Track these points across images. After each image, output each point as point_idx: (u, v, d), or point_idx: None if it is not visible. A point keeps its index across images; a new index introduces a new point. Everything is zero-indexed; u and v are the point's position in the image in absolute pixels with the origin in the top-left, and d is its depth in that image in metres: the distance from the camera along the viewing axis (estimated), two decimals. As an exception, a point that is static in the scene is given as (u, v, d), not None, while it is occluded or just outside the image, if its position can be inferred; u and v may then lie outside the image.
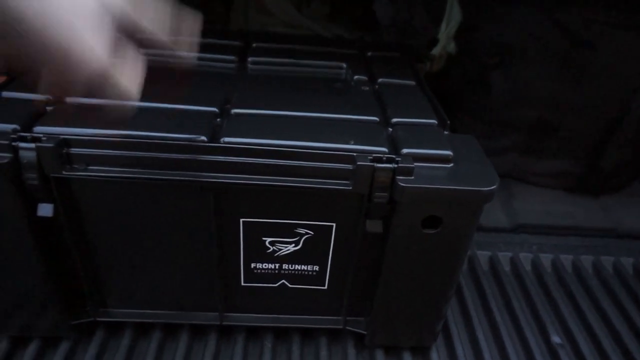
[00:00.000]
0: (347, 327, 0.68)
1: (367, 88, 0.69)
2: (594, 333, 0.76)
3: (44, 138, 0.50)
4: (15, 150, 0.49)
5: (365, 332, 0.68)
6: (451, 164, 0.55)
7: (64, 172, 0.51)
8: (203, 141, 0.53)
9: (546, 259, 0.91)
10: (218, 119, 0.58)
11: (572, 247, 0.93)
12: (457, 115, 1.07)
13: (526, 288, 0.83)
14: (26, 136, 0.50)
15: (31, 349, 0.65)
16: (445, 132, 0.61)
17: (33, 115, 0.54)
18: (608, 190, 1.07)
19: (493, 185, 0.53)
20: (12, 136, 0.50)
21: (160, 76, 0.68)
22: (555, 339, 0.75)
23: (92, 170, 0.52)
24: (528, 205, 1.02)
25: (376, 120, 0.60)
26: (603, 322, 0.79)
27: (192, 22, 0.47)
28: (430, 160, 0.55)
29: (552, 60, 0.93)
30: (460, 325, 0.76)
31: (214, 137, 0.54)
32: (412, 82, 0.72)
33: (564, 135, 1.01)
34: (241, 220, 0.58)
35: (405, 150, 0.54)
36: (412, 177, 0.52)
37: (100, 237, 0.59)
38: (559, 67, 0.94)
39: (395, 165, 0.52)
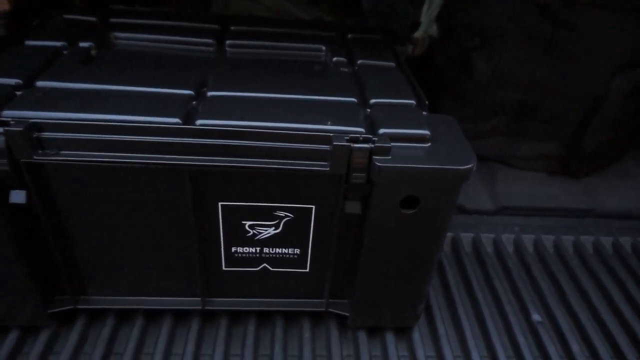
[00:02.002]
0: (330, 309, 0.69)
1: (346, 70, 0.68)
2: (573, 311, 0.77)
3: (13, 122, 0.49)
4: (-17, 135, 0.48)
5: (348, 314, 0.68)
6: (429, 144, 0.55)
7: (35, 157, 0.50)
8: (177, 123, 0.52)
9: (528, 240, 0.92)
10: (194, 102, 0.57)
11: (553, 228, 0.94)
12: (441, 99, 1.07)
13: (508, 268, 0.84)
14: (-6, 120, 0.49)
15: (10, 338, 0.64)
16: (424, 113, 0.60)
17: (2, 99, 0.52)
18: (589, 171, 1.08)
19: (470, 164, 0.53)
20: (-20, 121, 0.48)
21: (135, 59, 0.67)
22: (536, 317, 0.76)
23: (65, 155, 0.51)
24: (511, 187, 1.03)
25: (354, 101, 0.60)
26: (582, 300, 0.80)
27: None
28: (407, 139, 0.55)
29: (533, 42, 0.93)
30: (443, 306, 0.76)
31: (188, 120, 0.53)
32: (392, 64, 0.71)
33: (546, 118, 1.01)
34: (220, 203, 0.58)
35: (382, 130, 0.54)
36: (389, 157, 0.52)
37: (77, 223, 0.58)
38: (540, 49, 0.94)
39: (372, 145, 0.52)
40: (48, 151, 0.51)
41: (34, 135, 0.50)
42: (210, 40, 0.73)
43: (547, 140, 1.05)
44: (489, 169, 1.07)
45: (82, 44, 0.66)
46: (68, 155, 0.51)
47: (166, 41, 0.72)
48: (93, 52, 0.66)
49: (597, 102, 0.97)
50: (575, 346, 0.71)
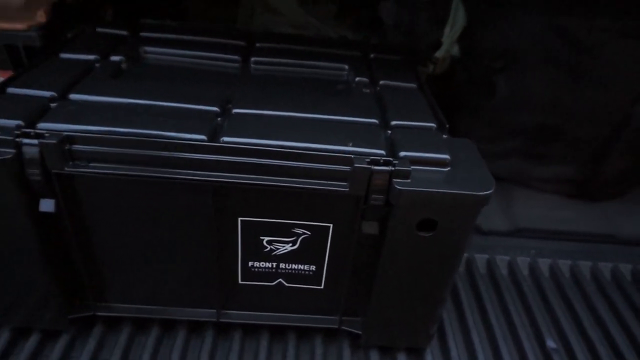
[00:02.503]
0: (343, 327, 0.69)
1: (368, 90, 0.69)
2: (589, 339, 0.76)
3: (47, 134, 0.51)
4: (18, 146, 0.50)
5: (360, 332, 0.68)
6: (448, 168, 0.56)
7: (66, 169, 0.52)
8: (203, 140, 0.53)
9: (544, 264, 0.91)
10: (219, 119, 0.59)
11: (570, 252, 0.93)
12: (460, 119, 1.07)
13: (523, 292, 0.84)
14: (29, 132, 0.51)
15: (32, 341, 0.66)
16: (444, 136, 0.61)
17: (37, 112, 0.55)
18: (608, 196, 1.07)
19: (489, 190, 0.54)
20: (16, 132, 0.51)
21: (164, 74, 0.69)
22: (550, 343, 0.75)
23: (94, 167, 0.53)
24: (528, 209, 1.03)
25: (375, 122, 0.61)
26: (599, 327, 0.79)
27: None
28: (427, 163, 0.55)
29: (554, 66, 0.93)
30: (456, 328, 0.76)
31: (214, 137, 0.55)
32: (414, 85, 0.72)
33: (566, 141, 1.01)
34: (239, 219, 0.59)
35: (402, 153, 0.55)
36: (409, 180, 0.53)
37: (101, 232, 0.60)
38: (561, 73, 0.94)
39: (392, 168, 0.53)
40: (79, 163, 0.53)
41: (66, 148, 0.52)
42: (236, 57, 0.75)
43: (566, 164, 1.04)
44: (506, 190, 1.07)
45: (114, 58, 0.69)
46: (97, 168, 0.53)
47: (193, 56, 0.74)
48: (124, 65, 0.69)
49: (618, 128, 0.96)
50: (590, 375, 0.71)
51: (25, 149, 0.50)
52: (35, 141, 0.50)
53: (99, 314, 0.67)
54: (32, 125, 0.53)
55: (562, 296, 0.84)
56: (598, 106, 0.95)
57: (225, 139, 0.54)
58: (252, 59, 0.75)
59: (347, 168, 0.53)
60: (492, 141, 1.05)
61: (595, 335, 0.77)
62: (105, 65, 0.67)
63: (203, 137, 0.54)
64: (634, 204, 1.07)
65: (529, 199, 1.06)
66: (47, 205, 0.55)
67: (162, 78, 0.68)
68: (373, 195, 0.54)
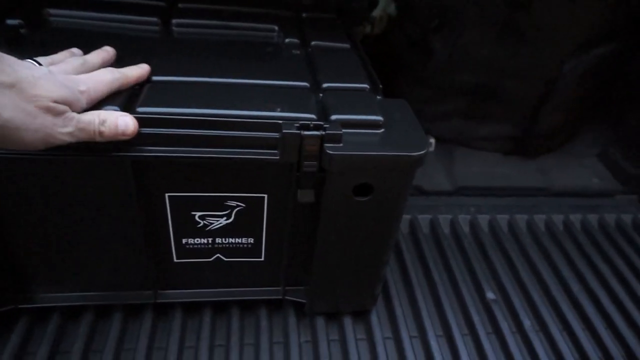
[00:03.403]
0: (287, 297, 0.68)
1: (299, 52, 0.66)
2: (526, 288, 0.80)
3: None
4: None
5: (305, 301, 0.68)
6: (382, 130, 0.54)
7: (-45, 150, 0.46)
8: (115, 110, 0.48)
9: (483, 220, 0.93)
10: (136, 87, 0.54)
11: (507, 207, 0.96)
12: (398, 80, 1.06)
13: (464, 249, 0.86)
14: None
15: (-55, 341, 0.61)
16: (378, 97, 0.59)
17: None
18: (543, 151, 1.11)
19: (422, 150, 0.53)
20: None
21: (72, 39, 0.62)
22: (490, 295, 0.78)
23: (-9, 147, 0.47)
24: (467, 168, 1.05)
25: (306, 85, 0.58)
26: (535, 277, 0.83)
27: None
28: (360, 126, 0.53)
29: (490, 24, 0.93)
30: (400, 288, 0.77)
31: (129, 107, 0.50)
32: (347, 45, 0.69)
33: (503, 100, 1.02)
34: (166, 195, 0.55)
35: (334, 117, 0.53)
36: (341, 144, 0.51)
37: (14, 216, 0.55)
38: (497, 31, 0.94)
39: (323, 132, 0.50)
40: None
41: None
42: (154, 19, 0.68)
43: (504, 122, 1.06)
44: (448, 150, 1.08)
45: (10, 21, 0.61)
46: (-5, 148, 0.47)
47: (106, 19, 0.67)
48: (23, 30, 0.61)
49: (551, 84, 0.98)
50: (527, 322, 0.74)
51: None
52: None
53: (22, 306, 0.62)
54: None
55: (500, 250, 0.87)
56: (531, 63, 0.96)
57: (142, 109, 0.50)
58: (174, 21, 0.69)
59: (276, 134, 0.51)
60: (433, 102, 1.05)
61: (532, 285, 0.80)
62: (0, 30, 0.59)
63: (115, 107, 0.49)
64: (565, 158, 1.11)
65: (469, 157, 1.08)
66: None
67: (69, 44, 0.61)
68: (305, 162, 0.52)
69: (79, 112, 0.44)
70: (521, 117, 1.05)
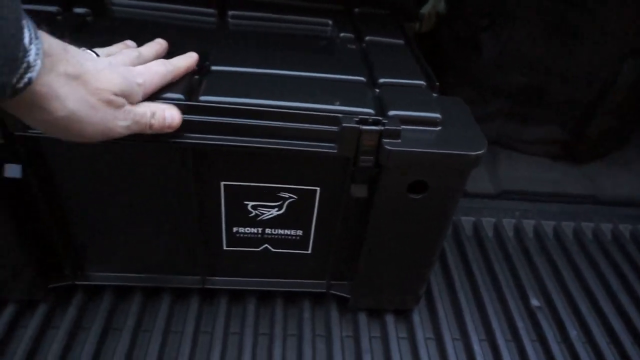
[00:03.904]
0: (331, 291, 0.68)
1: (354, 46, 0.66)
2: (572, 296, 0.78)
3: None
4: (-24, 106, 0.46)
5: (348, 296, 0.68)
6: (439, 127, 0.54)
7: (29, 131, 0.48)
8: (180, 100, 0.50)
9: (528, 225, 0.91)
10: (196, 76, 0.55)
11: (554, 214, 0.94)
12: (445, 78, 1.04)
13: (508, 253, 0.84)
14: (-12, 91, 0.46)
15: (8, 311, 0.64)
16: (434, 94, 0.59)
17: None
18: (592, 157, 1.07)
19: (481, 150, 0.52)
20: (-27, 91, 0.46)
21: (132, 28, 0.64)
22: (534, 302, 0.76)
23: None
24: (513, 171, 1.02)
25: (362, 80, 0.58)
26: (580, 286, 0.80)
27: None
28: (417, 123, 0.53)
29: (543, 23, 0.91)
30: (443, 289, 0.76)
31: (191, 96, 0.51)
32: (401, 42, 0.69)
33: (553, 102, 0.99)
34: (222, 183, 0.56)
35: (392, 112, 0.52)
36: (399, 141, 0.51)
37: (74, 199, 0.57)
38: (550, 30, 0.91)
39: (382, 128, 0.50)
40: (44, 125, 0.49)
41: (30, 108, 0.47)
42: (211, 10, 0.70)
43: (552, 125, 1.03)
44: (492, 152, 1.06)
45: (77, 10, 0.63)
46: (65, 130, 0.49)
47: (166, 9, 0.69)
48: (89, 18, 0.63)
49: (604, 87, 0.95)
50: (573, 332, 0.72)
51: (-16, 109, 0.46)
52: (-6, 101, 0.46)
53: (79, 282, 0.65)
54: (-10, 84, 0.48)
55: (546, 256, 0.85)
56: (585, 65, 0.93)
57: (204, 98, 0.51)
58: (230, 12, 0.70)
59: (334, 128, 0.51)
60: (478, 102, 1.03)
61: (578, 294, 0.78)
62: (68, 17, 0.62)
63: (180, 96, 0.50)
64: (615, 165, 1.07)
65: (514, 161, 1.06)
66: (12, 170, 0.51)
67: (132, 33, 0.62)
68: (362, 157, 0.52)
69: (134, 104, 0.44)
70: (571, 120, 1.02)
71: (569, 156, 1.06)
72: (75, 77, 0.38)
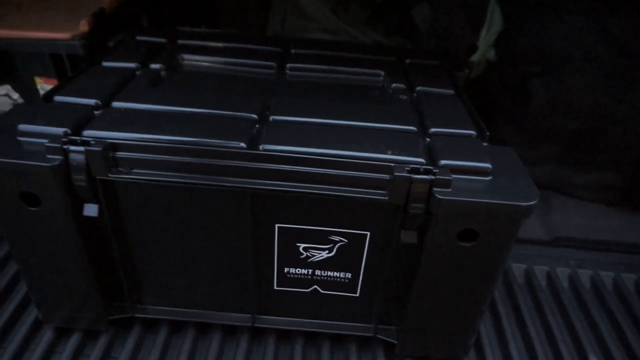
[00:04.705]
0: (378, 335, 0.68)
1: (405, 97, 0.68)
2: (634, 352, 0.73)
3: (93, 142, 0.52)
4: (66, 153, 0.52)
5: (395, 341, 0.68)
6: (490, 177, 0.54)
7: (110, 175, 0.53)
8: (242, 148, 0.54)
9: (585, 275, 0.88)
10: (257, 125, 0.59)
11: (612, 264, 0.90)
12: (495, 124, 1.05)
13: (563, 304, 0.81)
14: (76, 139, 0.52)
15: (73, 340, 0.68)
16: (484, 144, 0.60)
17: (83, 119, 0.56)
18: (653, 205, 1.03)
19: (533, 201, 0.52)
20: (64, 139, 0.52)
21: (201, 81, 0.70)
22: (593, 359, 0.72)
23: (136, 174, 0.54)
24: (567, 218, 0.99)
25: (414, 130, 0.60)
26: (644, 343, 0.76)
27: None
28: (468, 172, 0.54)
29: (597, 70, 0.90)
30: (493, 339, 0.74)
31: (252, 144, 0.55)
32: (451, 92, 0.71)
33: (606, 147, 0.97)
34: (276, 225, 0.59)
35: (443, 162, 0.54)
36: (450, 190, 0.52)
37: (141, 237, 0.61)
38: (603, 77, 0.90)
39: (433, 177, 0.52)
40: (122, 169, 0.54)
41: (110, 155, 0.53)
42: (271, 63, 0.75)
43: (607, 170, 1.00)
44: (544, 198, 1.04)
45: (153, 66, 0.70)
46: (139, 174, 0.54)
47: (230, 63, 0.75)
48: (163, 73, 0.70)
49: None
50: (636, 394, 0.67)
51: (72, 155, 0.52)
52: (81, 148, 0.52)
53: (137, 315, 0.68)
54: (78, 132, 0.54)
55: (604, 309, 0.81)
56: (640, 110, 0.91)
57: (264, 146, 0.55)
58: (288, 65, 0.75)
59: (386, 176, 0.53)
60: (528, 147, 1.02)
61: (641, 351, 0.74)
62: (145, 72, 0.69)
63: (243, 144, 0.54)
64: (680, 214, 1.02)
65: (568, 207, 1.03)
66: (91, 209, 0.56)
67: (200, 85, 0.69)
68: (413, 204, 0.53)
69: None
70: (627, 166, 0.99)
71: (626, 203, 1.02)
72: None
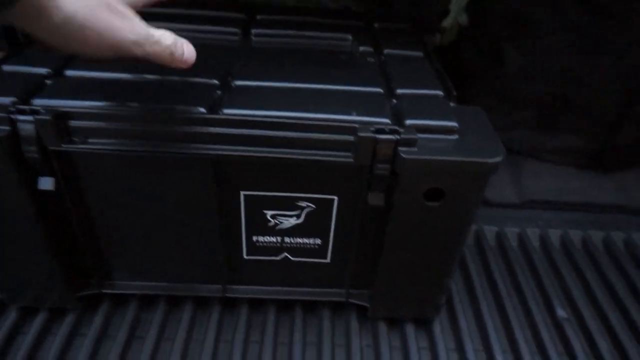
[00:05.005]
0: (350, 300, 0.69)
1: (373, 60, 0.67)
2: (601, 308, 0.75)
3: (43, 111, 0.49)
4: (13, 123, 0.49)
5: (368, 305, 0.68)
6: (456, 136, 0.54)
7: (62, 146, 0.51)
8: (202, 113, 0.52)
9: (554, 235, 0.89)
10: (218, 91, 0.57)
11: (581, 223, 0.92)
12: (468, 89, 1.04)
13: (533, 263, 0.82)
14: (25, 109, 0.49)
15: (39, 319, 0.67)
16: (452, 104, 0.59)
17: (32, 88, 0.53)
18: (620, 167, 1.05)
19: (498, 157, 0.52)
20: (11, 109, 0.49)
21: None
22: (561, 312, 0.74)
23: (92, 144, 0.52)
24: (538, 181, 1.01)
25: (380, 91, 0.59)
26: (611, 297, 0.78)
27: None
28: (434, 131, 0.53)
29: (569, 32, 0.90)
30: (465, 299, 0.75)
31: (213, 109, 0.53)
32: (419, 54, 0.70)
33: (579, 111, 0.98)
34: (242, 193, 0.58)
35: (408, 122, 0.53)
36: (415, 149, 0.51)
37: (102, 210, 0.59)
38: (577, 39, 0.90)
39: (398, 137, 0.51)
40: (76, 139, 0.52)
41: (63, 124, 0.50)
42: (236, 30, 0.72)
43: (579, 134, 1.01)
44: (516, 162, 1.05)
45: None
46: (95, 144, 0.52)
47: (192, 30, 0.72)
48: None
49: (634, 95, 0.93)
50: (603, 344, 0.70)
51: (20, 125, 0.49)
52: (30, 117, 0.49)
53: (105, 291, 0.67)
54: (27, 101, 0.51)
55: (573, 267, 0.83)
56: (613, 73, 0.91)
57: (226, 110, 0.53)
58: (253, 31, 0.72)
59: (351, 137, 0.52)
60: (502, 112, 1.02)
61: (608, 306, 0.76)
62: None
63: (202, 109, 0.52)
64: (646, 174, 1.04)
65: (539, 170, 1.04)
66: (46, 183, 0.54)
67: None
68: (379, 165, 0.53)
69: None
70: (597, 129, 1.00)
71: (597, 165, 1.04)
72: None
